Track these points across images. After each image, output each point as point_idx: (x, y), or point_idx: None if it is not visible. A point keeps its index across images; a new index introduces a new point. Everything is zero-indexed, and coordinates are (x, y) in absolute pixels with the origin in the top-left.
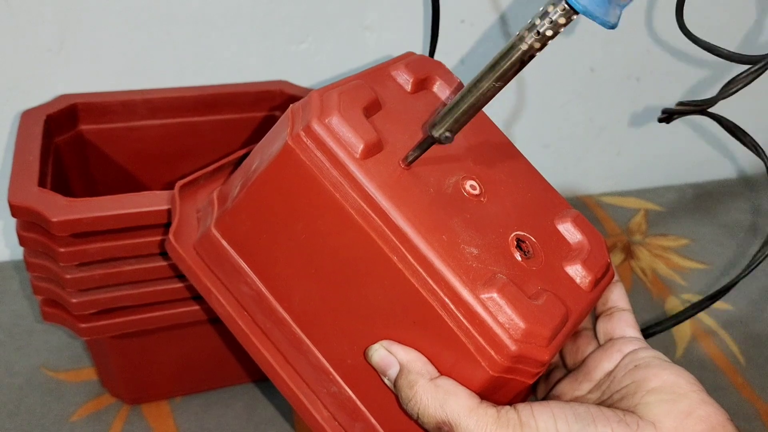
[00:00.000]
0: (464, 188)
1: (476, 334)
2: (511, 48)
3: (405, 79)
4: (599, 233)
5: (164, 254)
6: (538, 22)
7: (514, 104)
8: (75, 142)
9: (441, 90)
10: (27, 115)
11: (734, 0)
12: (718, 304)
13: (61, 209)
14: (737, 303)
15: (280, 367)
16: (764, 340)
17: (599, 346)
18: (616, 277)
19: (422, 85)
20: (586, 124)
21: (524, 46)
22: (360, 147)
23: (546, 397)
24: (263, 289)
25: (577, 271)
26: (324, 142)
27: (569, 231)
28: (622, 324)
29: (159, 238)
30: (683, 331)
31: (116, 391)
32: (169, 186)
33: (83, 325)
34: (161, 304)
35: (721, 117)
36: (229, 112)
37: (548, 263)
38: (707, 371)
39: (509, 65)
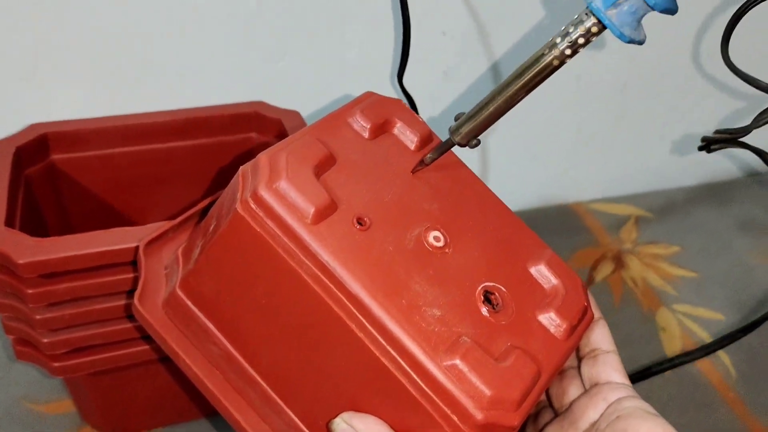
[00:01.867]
0: (427, 241)
1: (440, 403)
2: (541, 56)
3: (362, 126)
4: (575, 275)
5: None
6: (571, 33)
7: None
8: (46, 173)
9: (401, 132)
10: None
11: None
12: (710, 314)
13: (28, 250)
14: (728, 314)
15: (253, 428)
16: (757, 352)
17: (585, 390)
18: (598, 315)
19: (381, 129)
20: (575, 133)
21: (554, 59)
22: (311, 211)
23: None
24: (232, 350)
25: (550, 320)
26: (272, 209)
27: (543, 275)
28: (607, 368)
29: (129, 275)
30: (674, 344)
31: (95, 423)
32: (145, 213)
33: (56, 364)
34: (134, 340)
35: (756, 148)
36: (204, 136)
37: (519, 314)
38: (699, 386)
39: (536, 72)
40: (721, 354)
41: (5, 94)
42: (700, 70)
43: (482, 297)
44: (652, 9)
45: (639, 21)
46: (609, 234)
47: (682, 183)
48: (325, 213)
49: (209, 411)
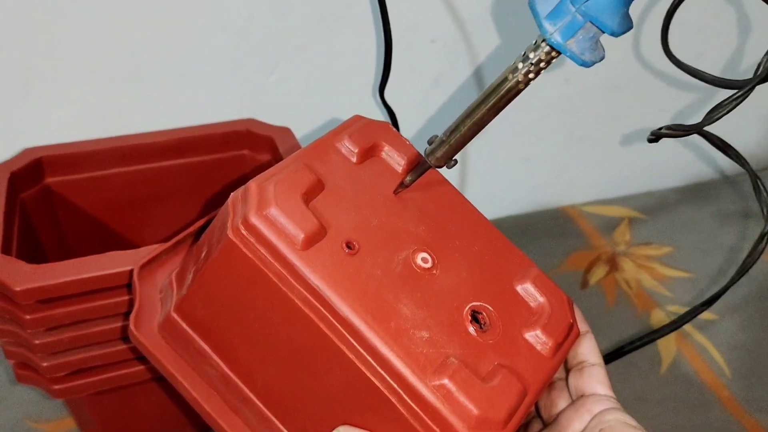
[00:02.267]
0: (415, 263)
1: (430, 422)
2: (505, 80)
3: (350, 150)
4: (561, 292)
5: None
6: (531, 57)
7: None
8: (42, 196)
9: (389, 156)
10: None
11: (716, 25)
12: (704, 315)
13: (24, 277)
14: (722, 313)
15: None
16: (750, 350)
17: (572, 402)
18: (585, 328)
19: (369, 153)
20: (566, 135)
21: (519, 83)
22: (300, 237)
23: None
24: (227, 371)
25: (537, 337)
26: (263, 235)
27: (529, 293)
28: (592, 381)
29: (125, 298)
30: (668, 345)
31: None
32: (141, 231)
33: (56, 387)
34: (131, 361)
35: (708, 133)
36: (196, 155)
37: (506, 332)
38: (693, 387)
39: (501, 95)
40: (715, 354)
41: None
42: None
43: (470, 317)
44: (612, 35)
45: (597, 42)
46: (603, 236)
47: (674, 183)
48: (314, 238)
49: (204, 427)
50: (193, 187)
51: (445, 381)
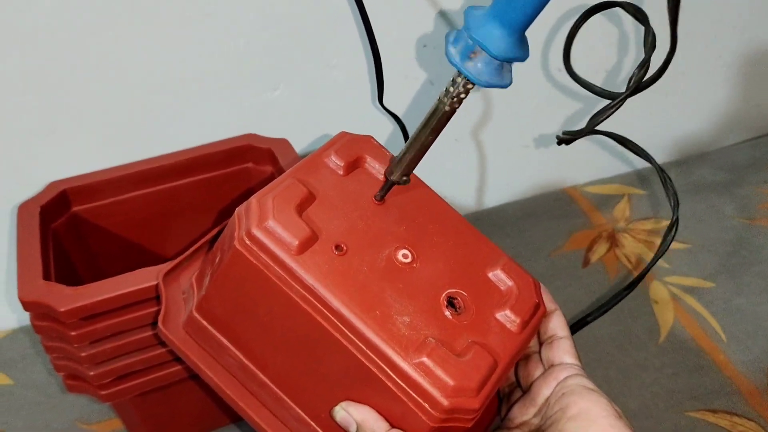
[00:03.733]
0: (396, 258)
1: (414, 394)
2: (435, 110)
3: (336, 165)
4: (528, 276)
5: None
6: (451, 89)
7: (485, 112)
8: (70, 224)
9: (371, 166)
10: (23, 209)
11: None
12: (701, 283)
13: (67, 299)
14: (718, 281)
15: (265, 422)
16: (745, 314)
17: (543, 371)
18: (554, 306)
19: (354, 165)
20: (562, 120)
21: (446, 108)
22: (295, 244)
23: (503, 419)
24: (244, 359)
25: (506, 317)
26: (264, 244)
27: (499, 278)
28: (560, 352)
29: (156, 308)
30: (666, 315)
31: None
32: (163, 245)
33: (104, 392)
34: (169, 363)
35: (609, 132)
36: (204, 172)
37: (479, 314)
38: (690, 352)
39: (437, 122)
40: (711, 320)
41: (27, 152)
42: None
43: (446, 302)
44: (496, 59)
45: (500, 70)
46: (603, 214)
47: (672, 157)
48: (307, 244)
49: (237, 418)
50: (205, 201)
51: (424, 358)
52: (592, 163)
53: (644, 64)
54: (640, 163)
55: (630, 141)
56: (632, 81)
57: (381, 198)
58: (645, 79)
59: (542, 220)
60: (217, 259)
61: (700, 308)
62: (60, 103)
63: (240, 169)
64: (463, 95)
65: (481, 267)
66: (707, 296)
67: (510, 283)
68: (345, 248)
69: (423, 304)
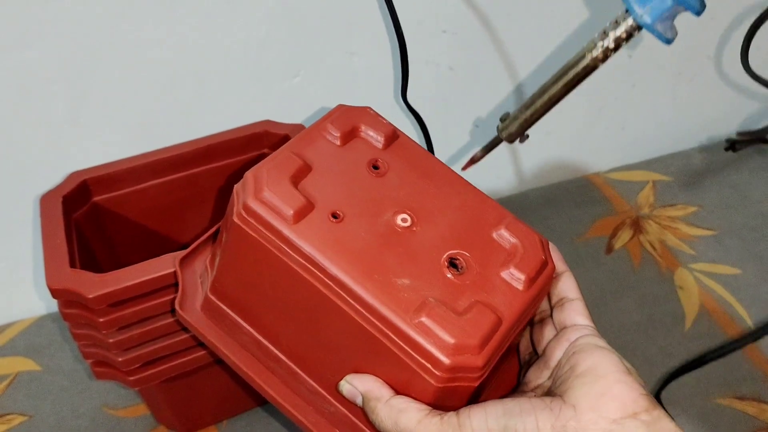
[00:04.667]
0: (396, 223)
1: (416, 355)
2: (578, 62)
3: (333, 135)
4: (533, 232)
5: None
6: (611, 33)
7: (508, 98)
8: (91, 213)
9: (367, 134)
10: (46, 199)
11: None
12: (727, 269)
13: (94, 285)
14: (745, 267)
15: (283, 398)
16: None
17: (556, 334)
18: (564, 268)
19: (350, 135)
20: (585, 105)
21: (598, 54)
22: (290, 213)
23: (519, 382)
24: (258, 336)
25: (511, 275)
26: (260, 216)
27: (503, 237)
28: (572, 313)
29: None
30: (692, 301)
31: (169, 424)
32: (181, 232)
33: (131, 378)
34: (194, 348)
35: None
36: (222, 159)
37: (483, 274)
38: (717, 340)
39: (578, 72)
40: (738, 308)
41: (51, 143)
42: (709, 30)
43: (447, 263)
44: (696, 14)
45: (673, 22)
46: (627, 201)
47: (697, 143)
48: (302, 213)
49: (262, 401)
50: (223, 188)
51: (423, 318)
52: (615, 150)
53: None
54: (665, 149)
55: None
56: None
57: (482, 155)
58: None
59: (565, 207)
60: (223, 239)
61: (727, 294)
62: (84, 94)
63: (257, 155)
64: (624, 44)
65: (484, 227)
66: (734, 283)
67: (514, 240)
68: (342, 215)
69: (423, 266)
